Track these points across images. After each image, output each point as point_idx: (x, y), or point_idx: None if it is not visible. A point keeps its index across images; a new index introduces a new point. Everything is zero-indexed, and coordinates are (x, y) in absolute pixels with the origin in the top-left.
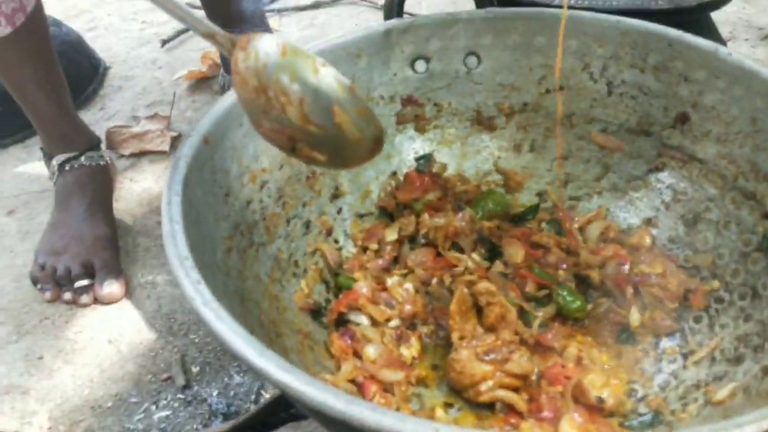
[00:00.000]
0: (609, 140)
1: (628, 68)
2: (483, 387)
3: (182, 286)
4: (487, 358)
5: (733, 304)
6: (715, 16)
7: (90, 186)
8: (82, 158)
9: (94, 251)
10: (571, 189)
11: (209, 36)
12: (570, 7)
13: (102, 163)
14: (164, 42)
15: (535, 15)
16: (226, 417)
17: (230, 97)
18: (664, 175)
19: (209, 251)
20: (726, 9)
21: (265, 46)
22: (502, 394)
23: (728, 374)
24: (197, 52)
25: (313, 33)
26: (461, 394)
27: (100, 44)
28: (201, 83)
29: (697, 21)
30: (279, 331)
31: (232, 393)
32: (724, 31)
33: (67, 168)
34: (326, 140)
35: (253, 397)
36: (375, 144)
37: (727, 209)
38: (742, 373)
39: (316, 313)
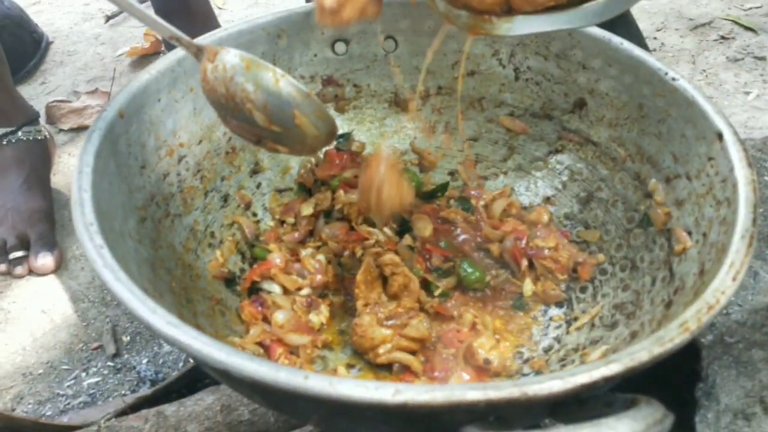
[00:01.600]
0: (515, 123)
1: (533, 55)
2: (381, 349)
3: (86, 250)
4: (387, 323)
5: (615, 276)
6: (648, 6)
7: (27, 160)
8: (20, 133)
9: (30, 224)
10: (480, 169)
11: (175, 39)
12: None
13: (40, 137)
14: (108, 18)
15: None
16: (154, 384)
17: (147, 73)
18: (563, 157)
19: (121, 220)
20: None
21: (231, 60)
22: (398, 356)
23: (603, 338)
24: (140, 29)
25: (256, 11)
26: (363, 357)
27: (43, 19)
28: (143, 60)
29: None
30: (190, 297)
31: (161, 361)
32: (656, 21)
33: (4, 142)
34: (288, 137)
35: (180, 365)
36: (329, 137)
37: (615, 189)
38: (614, 337)
39: (230, 281)
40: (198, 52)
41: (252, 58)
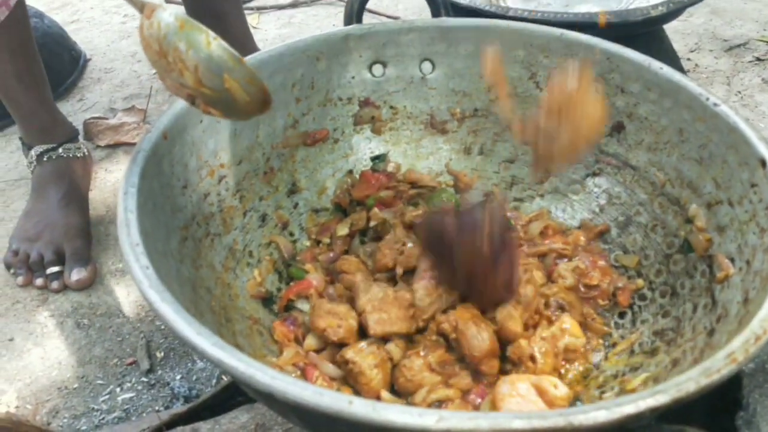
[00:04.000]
0: None
1: None
2: (419, 397)
3: (131, 271)
4: (437, 369)
5: (654, 302)
6: (682, 27)
7: (66, 177)
8: (60, 150)
9: (66, 239)
10: (516, 191)
11: None
12: (520, 19)
13: (79, 155)
14: None
15: (484, 26)
16: (188, 400)
17: None
18: (600, 180)
19: (164, 240)
20: (693, 20)
21: (166, 19)
22: (436, 396)
23: (643, 365)
24: None
25: (290, 32)
26: (405, 398)
27: (81, 36)
28: None
29: (649, 34)
30: (229, 317)
31: (194, 378)
32: (690, 42)
33: (45, 159)
34: (219, 100)
35: (214, 381)
36: (262, 104)
37: (654, 213)
38: (655, 365)
39: (267, 300)
40: (142, 8)
41: (186, 19)
